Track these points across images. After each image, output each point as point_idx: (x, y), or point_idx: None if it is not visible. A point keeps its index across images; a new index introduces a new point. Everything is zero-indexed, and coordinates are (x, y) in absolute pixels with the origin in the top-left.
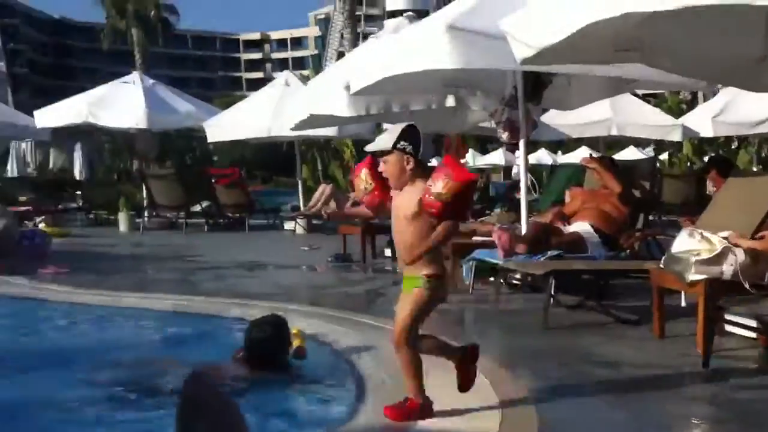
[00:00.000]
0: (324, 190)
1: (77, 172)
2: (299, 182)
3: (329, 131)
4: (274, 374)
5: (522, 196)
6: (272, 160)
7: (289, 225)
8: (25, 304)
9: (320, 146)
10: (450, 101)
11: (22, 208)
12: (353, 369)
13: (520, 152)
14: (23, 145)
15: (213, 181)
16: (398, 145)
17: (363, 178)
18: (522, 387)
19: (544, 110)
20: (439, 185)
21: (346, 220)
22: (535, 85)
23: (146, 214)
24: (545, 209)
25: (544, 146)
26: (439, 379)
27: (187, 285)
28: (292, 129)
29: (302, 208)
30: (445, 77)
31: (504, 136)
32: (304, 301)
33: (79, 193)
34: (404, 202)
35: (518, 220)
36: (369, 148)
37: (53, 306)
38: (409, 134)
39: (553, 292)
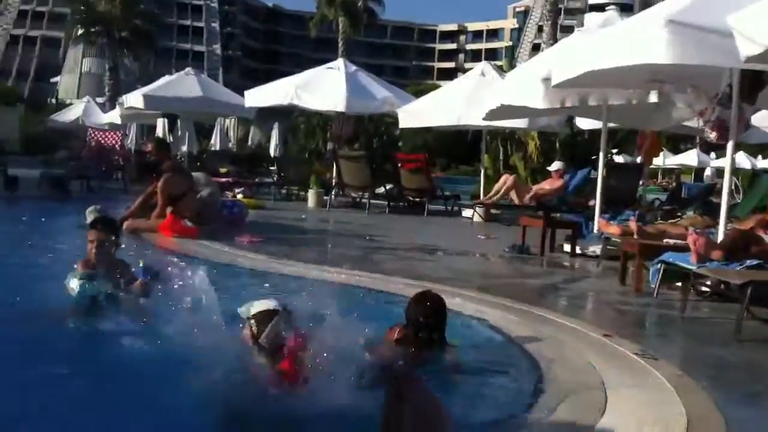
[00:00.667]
0: (506, 180)
1: (272, 149)
2: (482, 171)
3: (519, 122)
4: (435, 353)
5: (723, 200)
6: (454, 148)
7: (467, 213)
8: (223, 269)
9: (504, 137)
10: (653, 97)
11: (223, 180)
12: (528, 360)
13: (728, 154)
14: (227, 121)
15: (399, 165)
16: None
17: None
18: (708, 397)
19: (756, 110)
20: None
21: None
22: (753, 84)
23: (334, 192)
24: (744, 215)
25: (742, 149)
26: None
27: (369, 263)
28: (483, 119)
29: (482, 196)
30: (652, 72)
31: (712, 135)
32: (478, 288)
33: (273, 168)
34: None
35: (713, 224)
36: None
37: (247, 272)
38: None
39: (748, 304)
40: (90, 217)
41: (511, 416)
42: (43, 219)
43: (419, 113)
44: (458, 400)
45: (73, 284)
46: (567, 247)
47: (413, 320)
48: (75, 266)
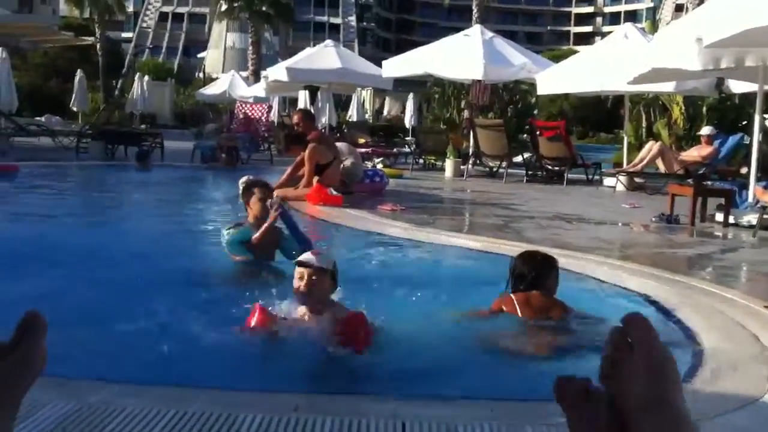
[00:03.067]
0: (652, 147)
1: (408, 120)
2: (624, 138)
3: (666, 87)
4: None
5: None
6: (592, 116)
7: (609, 182)
8: (367, 237)
9: (647, 102)
10: None
11: (363, 150)
12: (684, 330)
13: None
14: (364, 93)
15: (537, 133)
16: None
17: None
18: None
19: None
20: None
21: None
22: None
23: (471, 161)
24: None
25: None
26: None
27: (510, 232)
28: (629, 83)
29: (625, 165)
30: None
31: None
32: (626, 257)
33: (409, 138)
34: None
35: None
36: None
37: (390, 240)
38: None
39: None
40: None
41: None
42: (203, 188)
43: (559, 79)
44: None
45: (223, 237)
46: (719, 217)
47: (519, 275)
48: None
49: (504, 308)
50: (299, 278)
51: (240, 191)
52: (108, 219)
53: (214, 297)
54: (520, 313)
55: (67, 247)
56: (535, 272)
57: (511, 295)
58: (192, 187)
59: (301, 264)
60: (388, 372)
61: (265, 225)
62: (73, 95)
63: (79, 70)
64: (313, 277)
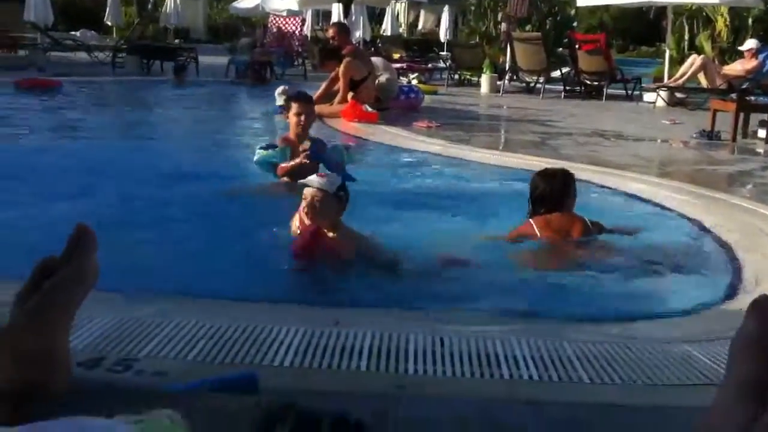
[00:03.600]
0: (694, 61)
1: (443, 33)
2: (666, 52)
3: None
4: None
5: None
6: (632, 28)
7: (649, 97)
8: (403, 153)
9: (691, 14)
10: None
11: (398, 65)
12: (723, 248)
13: None
14: (398, 5)
15: (576, 47)
16: None
17: None
18: None
19: None
20: None
21: None
22: None
23: (507, 77)
24: None
25: None
26: None
27: (547, 149)
28: None
29: (666, 79)
30: None
31: None
32: (665, 175)
33: (444, 53)
34: None
35: None
36: None
37: (426, 156)
38: None
39: None
40: (280, 99)
41: (705, 306)
42: (239, 103)
43: None
44: (647, 290)
45: (256, 154)
46: (762, 133)
47: (540, 197)
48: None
49: (524, 233)
50: (303, 199)
51: (277, 102)
52: (152, 135)
53: (254, 212)
54: (539, 235)
55: (113, 163)
56: (554, 191)
57: (530, 220)
58: (228, 103)
59: (305, 185)
60: (421, 289)
61: (291, 164)
62: (107, 9)
63: None
64: (316, 199)
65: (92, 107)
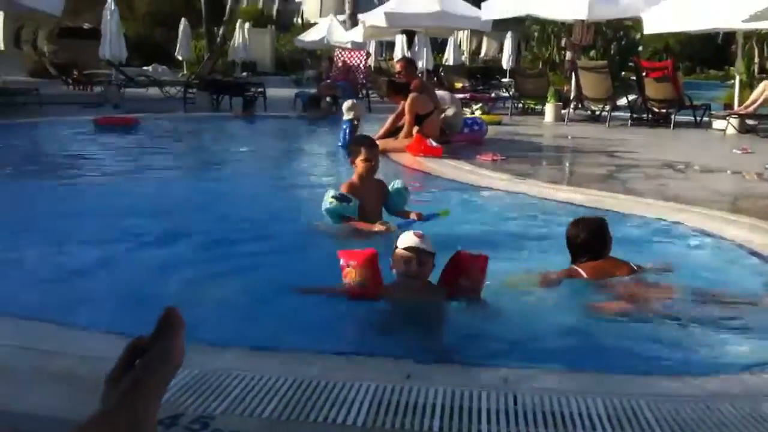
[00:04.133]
0: (765, 86)
1: (505, 61)
2: (736, 77)
3: None
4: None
5: None
6: (700, 51)
7: (718, 124)
8: (469, 189)
9: (761, 37)
10: None
11: (460, 96)
12: None
13: None
14: (460, 34)
15: (643, 74)
16: None
17: None
18: None
19: None
20: None
21: None
22: None
23: (572, 105)
24: None
25: None
26: None
27: (615, 182)
28: (744, 21)
29: (736, 106)
30: None
31: None
32: (740, 210)
33: (506, 80)
34: None
35: None
36: None
37: (492, 192)
38: None
39: None
40: (348, 114)
41: None
42: (306, 139)
43: (667, 16)
44: (729, 341)
45: (325, 200)
46: None
47: (583, 245)
48: (340, 186)
49: (572, 276)
50: (407, 261)
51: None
52: (224, 176)
53: (327, 259)
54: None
55: (193, 206)
56: (595, 242)
57: (576, 267)
58: (295, 138)
59: (411, 249)
60: (494, 340)
61: (365, 227)
62: (178, 44)
63: (183, 18)
64: (422, 260)
65: (170, 145)
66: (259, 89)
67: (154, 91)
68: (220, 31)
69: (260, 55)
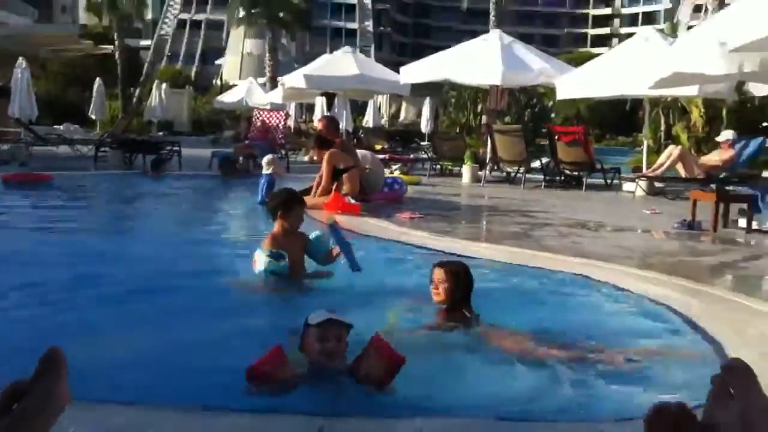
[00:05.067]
0: (671, 151)
1: (424, 125)
2: (644, 141)
3: (687, 90)
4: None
5: None
6: (608, 118)
7: (628, 186)
8: (390, 246)
9: (666, 105)
10: None
11: (380, 156)
12: (711, 345)
13: None
14: (380, 97)
15: (556, 138)
16: None
17: None
18: None
19: None
20: None
21: None
22: None
23: (488, 167)
24: None
25: None
26: None
27: (530, 240)
28: (650, 87)
29: (645, 169)
30: None
31: None
32: (648, 266)
33: (424, 143)
34: None
35: None
36: None
37: (412, 249)
38: None
39: None
40: (268, 168)
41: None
42: (223, 197)
43: (578, 83)
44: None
45: (261, 260)
46: (742, 223)
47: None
48: (262, 241)
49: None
50: (321, 338)
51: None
52: (129, 231)
53: (240, 318)
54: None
55: (98, 261)
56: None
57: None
58: (212, 197)
59: (325, 323)
60: (406, 394)
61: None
62: (92, 103)
63: (98, 79)
64: (339, 334)
65: (81, 202)
66: (175, 147)
67: (64, 149)
68: (136, 92)
69: (177, 115)
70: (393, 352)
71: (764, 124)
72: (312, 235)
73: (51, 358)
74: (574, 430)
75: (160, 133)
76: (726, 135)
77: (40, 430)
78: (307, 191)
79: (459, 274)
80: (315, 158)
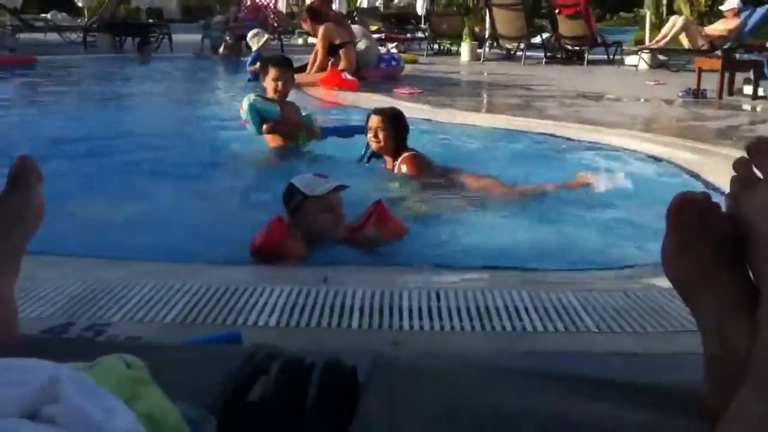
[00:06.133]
0: (674, 22)
1: (419, 6)
2: (646, 16)
3: None
4: None
5: None
6: None
7: (631, 60)
8: None
9: None
10: None
11: (375, 36)
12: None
13: None
14: None
15: (556, 11)
16: None
17: None
18: None
19: None
20: None
21: None
22: None
23: (488, 44)
24: None
25: None
26: None
27: (532, 110)
28: None
29: (647, 41)
30: None
31: None
32: (653, 130)
33: (422, 26)
34: None
35: None
36: None
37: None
38: None
39: None
40: (255, 42)
41: None
42: (212, 76)
43: None
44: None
45: (247, 99)
46: (747, 90)
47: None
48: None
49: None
50: (325, 209)
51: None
52: (125, 108)
53: (235, 178)
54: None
55: (84, 133)
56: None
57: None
58: (200, 76)
59: (342, 189)
60: (416, 242)
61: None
62: None
63: None
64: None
65: (64, 82)
66: (164, 31)
67: (53, 36)
68: None
69: (166, 2)
70: (397, 222)
71: None
72: (303, 111)
73: (22, 167)
74: (571, 279)
75: (150, 21)
76: (731, 3)
77: (20, 241)
78: (303, 68)
79: (395, 118)
80: (308, 30)
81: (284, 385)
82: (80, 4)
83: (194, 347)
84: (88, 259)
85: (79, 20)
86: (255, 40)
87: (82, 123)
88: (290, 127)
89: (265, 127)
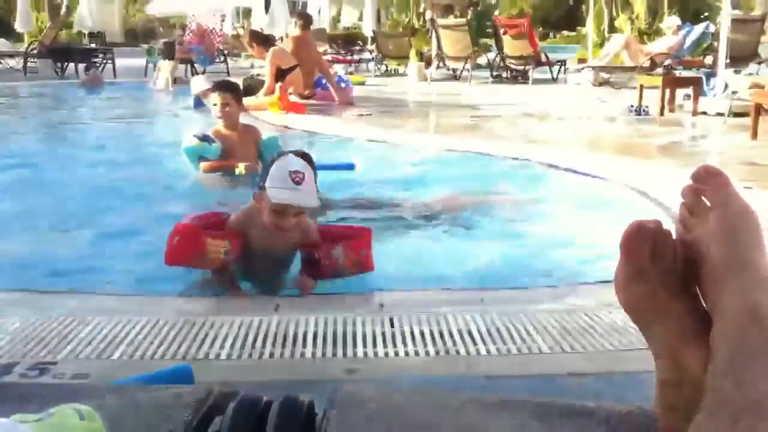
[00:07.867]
0: (616, 40)
1: (366, 27)
2: (588, 34)
3: None
4: None
5: None
6: (552, 14)
7: (574, 78)
8: (340, 142)
9: None
10: None
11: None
12: (665, 211)
13: None
14: (320, 1)
15: (502, 32)
16: None
17: None
18: None
19: None
20: None
21: None
22: None
23: (434, 64)
24: None
25: None
26: None
27: (481, 131)
28: None
29: (590, 60)
30: None
31: None
32: (597, 148)
33: (369, 47)
34: None
35: None
36: None
37: (363, 143)
38: None
39: None
40: (196, 88)
41: None
42: (159, 101)
43: None
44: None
45: (186, 139)
46: (688, 107)
47: None
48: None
49: None
50: (278, 213)
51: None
52: (66, 138)
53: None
54: None
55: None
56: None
57: None
58: (148, 103)
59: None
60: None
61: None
62: (17, 15)
63: None
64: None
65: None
66: (108, 56)
67: None
68: (64, 1)
69: (109, 25)
70: (370, 257)
71: (706, 13)
72: (264, 137)
73: None
74: (521, 298)
75: (93, 45)
76: (670, 21)
77: None
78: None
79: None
80: (255, 56)
81: (240, 426)
82: (20, 30)
83: (147, 389)
84: (29, 293)
85: (19, 47)
86: (197, 82)
87: (23, 152)
88: (227, 166)
89: (202, 166)
